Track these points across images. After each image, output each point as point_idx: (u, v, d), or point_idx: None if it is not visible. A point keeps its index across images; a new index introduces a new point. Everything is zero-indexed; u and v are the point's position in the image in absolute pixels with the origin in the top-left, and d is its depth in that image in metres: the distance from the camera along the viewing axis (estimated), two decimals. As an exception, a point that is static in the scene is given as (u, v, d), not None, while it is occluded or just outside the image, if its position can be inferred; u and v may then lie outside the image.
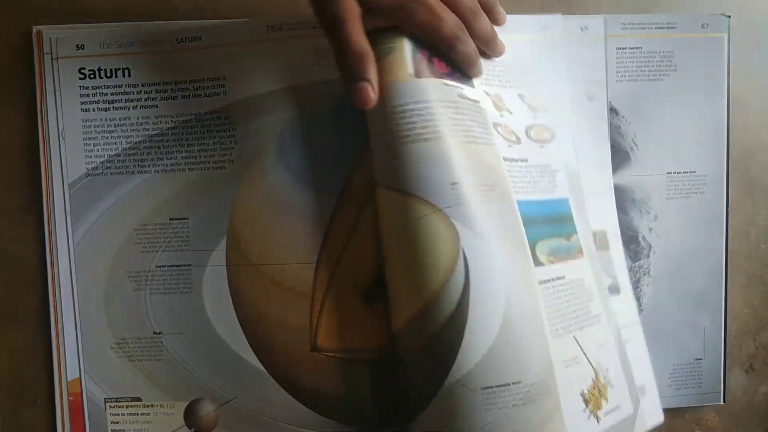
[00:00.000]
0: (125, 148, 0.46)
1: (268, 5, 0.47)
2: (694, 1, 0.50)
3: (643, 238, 0.49)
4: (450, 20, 0.37)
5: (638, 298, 0.50)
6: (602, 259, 0.46)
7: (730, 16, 0.49)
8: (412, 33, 0.39)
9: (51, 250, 0.46)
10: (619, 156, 0.49)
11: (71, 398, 0.47)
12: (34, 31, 0.45)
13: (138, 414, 0.46)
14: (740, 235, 0.52)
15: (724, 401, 0.52)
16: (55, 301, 0.46)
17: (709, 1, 0.50)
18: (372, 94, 0.36)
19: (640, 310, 0.50)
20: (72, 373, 0.47)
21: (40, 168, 0.46)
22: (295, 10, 0.46)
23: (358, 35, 0.35)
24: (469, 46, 0.39)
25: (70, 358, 0.46)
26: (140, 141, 0.46)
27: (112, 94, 0.45)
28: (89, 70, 0.45)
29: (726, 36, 0.49)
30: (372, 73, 0.36)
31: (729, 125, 0.50)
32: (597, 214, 0.46)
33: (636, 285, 0.50)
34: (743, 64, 0.50)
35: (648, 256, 0.50)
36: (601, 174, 0.48)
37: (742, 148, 0.51)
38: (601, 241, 0.47)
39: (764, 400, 0.53)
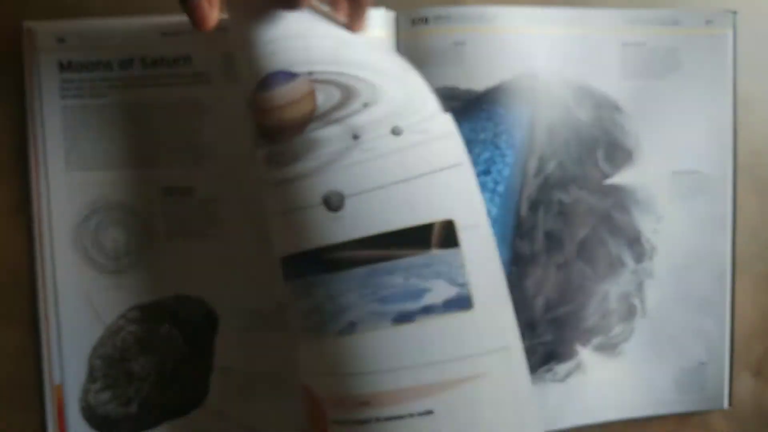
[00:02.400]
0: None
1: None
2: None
3: (647, 239, 0.49)
4: None
5: (642, 301, 0.49)
6: (443, 259, 0.36)
7: (735, 13, 0.48)
8: None
9: (41, 251, 0.46)
10: (623, 155, 0.48)
11: (59, 402, 0.47)
12: (25, 27, 0.45)
13: None
14: (749, 237, 0.51)
15: (728, 406, 0.51)
16: (45, 303, 0.46)
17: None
18: (208, 11, 0.34)
19: (644, 314, 0.49)
20: (57, 378, 0.47)
21: (29, 167, 0.46)
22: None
23: None
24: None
25: (57, 362, 0.47)
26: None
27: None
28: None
29: (731, 32, 0.48)
30: None
31: (736, 124, 0.49)
32: (438, 199, 0.37)
33: (639, 287, 0.49)
34: (751, 62, 0.49)
35: (651, 258, 0.49)
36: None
37: (751, 147, 0.50)
38: (440, 234, 0.36)
39: (773, 404, 0.52)
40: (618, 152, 0.48)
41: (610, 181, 0.48)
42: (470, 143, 0.44)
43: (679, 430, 0.51)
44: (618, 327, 0.49)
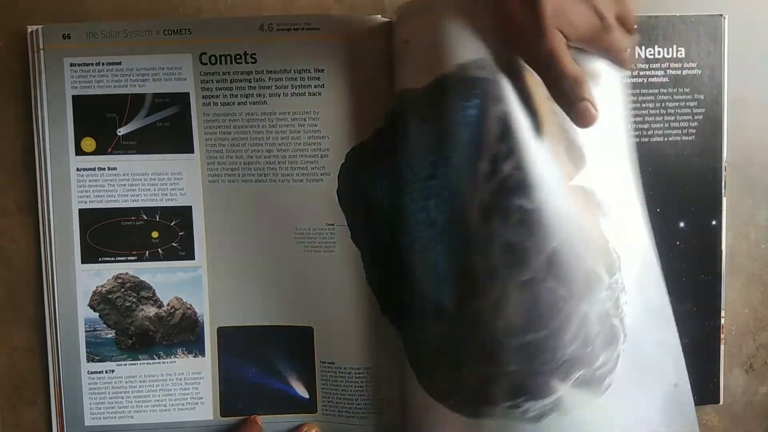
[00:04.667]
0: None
1: (268, 4, 0.48)
2: (694, 1, 0.49)
3: (613, 247, 0.41)
4: (626, 39, 0.39)
5: (621, 321, 0.41)
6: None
7: (724, 16, 0.48)
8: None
9: (46, 249, 0.48)
10: (581, 152, 0.41)
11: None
12: (29, 30, 0.47)
13: None
14: (740, 236, 0.51)
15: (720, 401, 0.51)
16: (50, 301, 0.48)
17: (708, 2, 0.49)
18: (594, 111, 0.36)
19: (625, 336, 0.41)
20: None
21: (35, 166, 0.47)
22: (292, 9, 0.48)
23: (572, 63, 0.36)
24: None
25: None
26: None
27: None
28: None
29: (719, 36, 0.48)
30: (591, 93, 0.37)
31: (726, 125, 0.49)
32: None
33: (616, 305, 0.40)
34: (742, 65, 0.50)
35: (620, 269, 0.41)
36: None
37: (742, 148, 0.50)
38: None
39: (764, 400, 0.53)
40: (577, 149, 0.40)
41: (575, 181, 0.40)
42: (418, 146, 0.42)
43: (673, 424, 0.52)
44: (603, 355, 0.40)
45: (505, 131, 0.39)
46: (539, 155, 0.39)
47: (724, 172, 0.49)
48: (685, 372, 0.42)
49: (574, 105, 0.36)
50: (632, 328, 0.40)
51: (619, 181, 0.42)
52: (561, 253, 0.39)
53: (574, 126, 0.37)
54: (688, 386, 0.42)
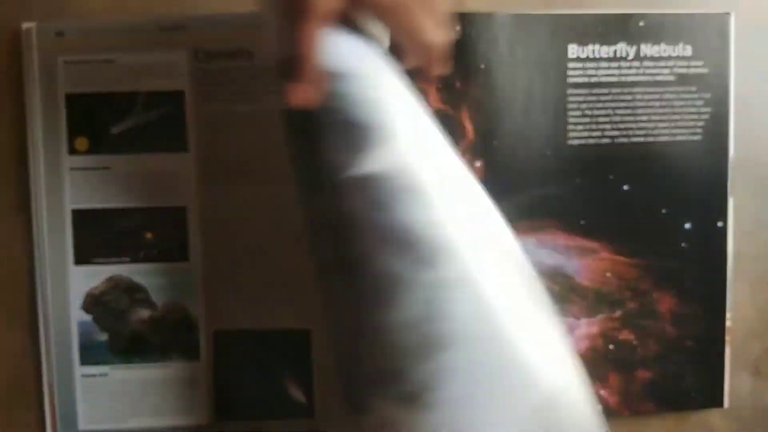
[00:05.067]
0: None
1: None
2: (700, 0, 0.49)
3: (430, 237, 0.33)
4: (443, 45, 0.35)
5: (451, 322, 0.32)
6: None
7: (731, 14, 0.48)
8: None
9: (39, 250, 0.47)
10: (364, 134, 0.34)
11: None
12: (23, 28, 0.46)
13: None
14: (747, 237, 0.50)
15: (727, 405, 0.50)
16: (43, 303, 0.47)
17: (713, 0, 0.49)
18: (298, 97, 0.31)
19: (454, 341, 0.32)
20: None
21: (28, 165, 0.47)
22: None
23: (311, 31, 0.30)
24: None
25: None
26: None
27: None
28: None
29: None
30: (309, 77, 0.31)
31: (733, 125, 0.48)
32: None
33: (437, 304, 0.32)
34: (749, 63, 0.49)
35: (443, 263, 0.33)
36: None
37: (749, 148, 0.50)
38: None
39: (771, 404, 0.52)
40: (357, 131, 0.33)
41: (354, 171, 0.32)
42: None
43: (679, 428, 0.51)
44: (420, 368, 0.32)
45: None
46: (294, 149, 0.35)
47: (730, 173, 0.49)
48: (577, 378, 0.34)
49: (284, 83, 0.31)
50: (472, 331, 0.32)
51: (442, 162, 0.35)
52: (348, 254, 0.33)
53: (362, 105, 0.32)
54: (585, 395, 0.34)
